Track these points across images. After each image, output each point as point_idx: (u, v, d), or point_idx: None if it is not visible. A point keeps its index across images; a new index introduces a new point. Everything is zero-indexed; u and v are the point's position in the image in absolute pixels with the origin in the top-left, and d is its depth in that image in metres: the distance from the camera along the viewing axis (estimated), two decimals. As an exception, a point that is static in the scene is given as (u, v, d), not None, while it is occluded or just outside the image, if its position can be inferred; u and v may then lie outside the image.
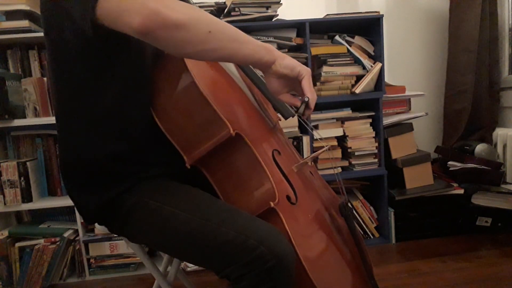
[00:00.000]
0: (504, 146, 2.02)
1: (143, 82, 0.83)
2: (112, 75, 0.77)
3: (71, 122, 0.81)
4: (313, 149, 1.85)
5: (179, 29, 0.63)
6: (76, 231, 1.80)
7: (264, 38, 1.78)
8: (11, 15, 1.63)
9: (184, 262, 1.65)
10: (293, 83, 0.78)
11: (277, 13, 1.82)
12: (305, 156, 1.83)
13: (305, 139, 1.84)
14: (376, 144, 1.88)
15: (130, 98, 0.80)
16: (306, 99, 0.76)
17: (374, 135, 1.89)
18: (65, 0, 0.70)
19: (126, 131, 0.81)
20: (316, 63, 1.88)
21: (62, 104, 0.81)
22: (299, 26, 1.84)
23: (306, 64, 1.79)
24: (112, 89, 0.78)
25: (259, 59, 0.73)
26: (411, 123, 1.95)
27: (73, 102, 0.79)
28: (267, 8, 1.79)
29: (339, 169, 1.92)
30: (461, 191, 1.89)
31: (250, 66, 0.95)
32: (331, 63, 1.81)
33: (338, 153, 1.91)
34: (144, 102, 0.83)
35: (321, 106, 1.86)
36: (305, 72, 0.76)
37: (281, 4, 1.80)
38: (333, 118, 1.87)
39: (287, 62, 0.75)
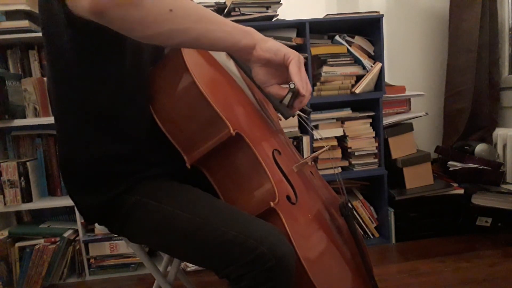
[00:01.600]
0: (504, 146, 2.02)
1: (141, 82, 0.83)
2: (108, 75, 0.77)
3: (69, 122, 0.80)
4: (313, 149, 1.85)
5: (134, 6, 0.57)
6: (76, 231, 1.80)
7: (264, 38, 1.78)
8: (11, 15, 1.63)
9: (184, 262, 1.65)
10: (282, 71, 0.70)
11: (277, 13, 1.82)
12: (305, 156, 1.83)
13: (305, 139, 1.84)
14: (376, 144, 1.89)
15: (128, 98, 0.80)
16: (292, 86, 0.66)
17: (374, 135, 1.89)
18: None
19: (126, 131, 0.81)
20: (316, 63, 1.88)
21: (60, 104, 0.81)
22: (299, 26, 1.84)
23: (306, 64, 1.79)
24: (109, 89, 0.78)
25: (234, 42, 0.65)
26: (411, 123, 1.95)
27: (71, 102, 0.79)
28: (267, 8, 1.79)
29: (339, 169, 1.92)
30: (461, 191, 1.89)
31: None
32: (331, 63, 1.81)
33: (338, 153, 1.91)
34: (142, 102, 0.83)
35: (321, 106, 1.86)
36: (292, 55, 0.68)
37: (281, 4, 1.80)
38: (333, 118, 1.87)
39: (270, 45, 0.67)
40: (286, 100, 0.66)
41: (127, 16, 0.57)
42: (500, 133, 2.06)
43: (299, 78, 0.67)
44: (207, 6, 1.76)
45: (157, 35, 0.60)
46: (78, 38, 0.70)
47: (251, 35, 0.66)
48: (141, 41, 0.64)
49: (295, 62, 0.67)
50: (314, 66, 1.88)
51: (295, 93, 0.66)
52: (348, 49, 1.84)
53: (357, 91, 1.81)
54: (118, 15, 0.57)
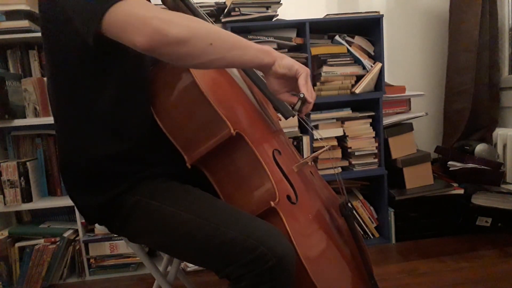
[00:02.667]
0: (504, 146, 2.02)
1: (142, 82, 0.83)
2: (110, 76, 0.77)
3: (70, 122, 0.81)
4: (313, 149, 1.85)
5: (182, 44, 0.65)
6: (76, 231, 1.80)
7: (264, 38, 1.78)
8: (11, 15, 1.63)
9: (184, 262, 1.65)
10: (291, 82, 0.80)
11: (277, 13, 1.82)
12: (305, 156, 1.83)
13: (305, 139, 1.84)
14: (376, 144, 1.88)
15: (129, 98, 0.81)
16: (301, 95, 0.78)
17: (374, 135, 1.89)
18: (69, 6, 0.69)
19: (126, 131, 0.81)
20: (316, 63, 1.88)
21: (60, 105, 0.81)
22: (299, 26, 1.84)
23: (306, 64, 1.79)
24: (110, 90, 0.78)
25: (259, 62, 0.75)
26: (411, 123, 1.95)
27: (71, 102, 0.79)
28: (267, 8, 1.78)
29: (339, 169, 1.92)
30: (461, 191, 1.89)
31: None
32: (331, 63, 1.81)
33: (338, 153, 1.91)
34: (143, 102, 0.83)
35: (321, 106, 1.86)
36: (302, 70, 0.78)
37: (281, 4, 1.80)
38: (333, 118, 1.87)
39: (286, 62, 0.77)
40: (297, 107, 0.79)
41: (175, 52, 0.66)
42: (500, 133, 2.06)
43: (306, 89, 0.78)
44: (207, 6, 1.76)
45: (199, 64, 0.69)
46: (89, 47, 0.70)
47: (271, 54, 0.76)
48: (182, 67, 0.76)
49: (304, 76, 0.78)
50: (314, 66, 1.88)
51: (304, 101, 0.79)
52: (348, 49, 1.84)
53: (357, 91, 1.81)
54: (167, 52, 0.65)
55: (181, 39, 0.64)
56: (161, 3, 0.96)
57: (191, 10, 0.95)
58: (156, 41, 0.63)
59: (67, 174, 0.84)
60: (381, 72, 1.83)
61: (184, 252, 0.80)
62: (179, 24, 0.64)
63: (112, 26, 0.65)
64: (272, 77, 0.78)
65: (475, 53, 2.04)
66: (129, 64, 0.79)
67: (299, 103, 0.79)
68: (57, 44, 0.75)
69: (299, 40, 1.84)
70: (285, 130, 1.78)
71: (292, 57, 0.78)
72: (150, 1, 0.72)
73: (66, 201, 1.70)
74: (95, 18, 0.65)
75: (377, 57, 1.88)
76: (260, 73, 0.87)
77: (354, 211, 1.96)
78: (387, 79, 2.15)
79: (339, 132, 1.88)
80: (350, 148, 1.88)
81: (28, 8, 1.63)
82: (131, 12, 0.64)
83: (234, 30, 1.63)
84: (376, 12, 1.87)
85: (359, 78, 1.85)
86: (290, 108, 0.84)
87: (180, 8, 0.96)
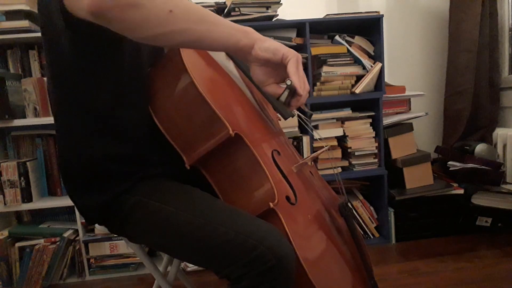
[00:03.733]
0: (504, 146, 2.02)
1: (140, 82, 0.83)
2: (107, 76, 0.77)
3: (69, 122, 0.81)
4: (313, 149, 1.85)
5: (134, 8, 0.56)
6: (76, 231, 1.80)
7: (264, 38, 1.78)
8: (11, 15, 1.63)
9: (184, 262, 1.65)
10: (280, 71, 0.70)
11: (277, 13, 1.82)
12: (305, 156, 1.83)
13: (305, 139, 1.84)
14: (376, 144, 1.88)
15: (127, 98, 0.80)
16: (288, 82, 0.66)
17: (374, 135, 1.89)
18: None
19: (125, 131, 0.81)
20: (316, 63, 1.88)
21: (60, 105, 0.81)
22: (299, 26, 1.84)
23: (306, 64, 1.79)
24: (108, 90, 0.78)
25: (234, 43, 0.65)
26: (411, 123, 1.95)
27: (70, 102, 0.79)
28: (267, 8, 1.78)
29: (339, 169, 1.92)
30: (461, 191, 1.89)
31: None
32: (331, 63, 1.81)
33: (338, 153, 1.91)
34: (142, 103, 0.83)
35: (321, 106, 1.86)
36: (291, 55, 0.68)
37: (281, 4, 1.80)
38: (333, 118, 1.87)
39: (269, 45, 0.67)
40: (283, 97, 0.66)
41: (126, 17, 0.57)
42: (500, 133, 2.06)
43: (297, 77, 0.67)
44: (207, 6, 1.76)
45: (157, 36, 0.60)
46: (76, 39, 0.70)
47: (250, 35, 0.66)
48: (141, 42, 0.63)
49: (293, 61, 0.67)
50: (314, 66, 1.88)
51: (292, 91, 0.66)
52: (348, 49, 1.84)
53: (357, 91, 1.81)
54: (117, 16, 0.57)
55: (133, 1, 0.56)
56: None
57: None
58: (103, 2, 0.55)
59: (67, 174, 0.84)
60: (381, 72, 1.83)
61: (184, 252, 0.80)
62: None
63: None
64: (255, 65, 0.69)
65: (475, 53, 2.04)
66: (127, 64, 0.79)
67: (285, 93, 0.66)
68: (56, 44, 0.75)
69: (299, 40, 1.83)
70: (285, 130, 1.78)
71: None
72: None
73: (66, 201, 1.70)
74: None
75: (377, 57, 1.88)
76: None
77: (354, 211, 1.96)
78: (387, 79, 2.15)
79: (339, 132, 1.88)
80: (350, 148, 1.88)
81: (28, 8, 1.64)
82: None
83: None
84: (376, 12, 1.87)
85: (359, 78, 1.85)
86: (276, 99, 0.70)
87: None
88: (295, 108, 0.72)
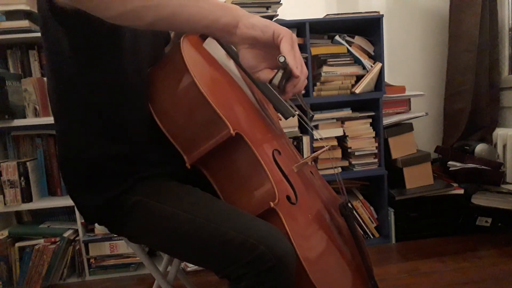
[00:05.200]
0: (504, 146, 2.02)
1: (140, 82, 0.82)
2: (107, 76, 0.77)
3: (69, 122, 0.81)
4: (313, 149, 1.85)
5: None
6: (76, 231, 1.80)
7: (264, 38, 1.78)
8: (11, 15, 1.63)
9: (184, 262, 1.65)
10: (271, 53, 0.61)
11: (277, 13, 1.82)
12: (305, 156, 1.83)
13: (305, 139, 1.84)
14: (376, 144, 1.88)
15: (127, 98, 0.80)
16: (282, 59, 0.56)
17: (374, 135, 1.89)
18: None
19: (126, 131, 0.81)
20: (316, 63, 1.88)
21: (60, 104, 0.81)
22: (299, 26, 1.84)
23: (306, 64, 1.79)
24: (108, 90, 0.78)
25: (213, 20, 0.58)
26: (411, 123, 1.95)
27: (71, 102, 0.79)
28: (267, 8, 1.78)
29: (339, 169, 1.92)
30: (461, 191, 1.89)
31: None
32: (331, 63, 1.81)
33: (338, 153, 1.91)
34: (142, 102, 0.83)
35: (321, 106, 1.86)
36: (284, 32, 0.59)
37: (281, 4, 1.80)
38: (333, 118, 1.87)
39: (254, 21, 0.58)
40: (277, 80, 0.56)
41: None
42: (500, 133, 2.06)
43: (292, 57, 0.59)
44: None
45: (126, 13, 0.55)
46: (74, 38, 0.70)
47: (233, 11, 0.58)
48: (113, 22, 0.59)
49: (287, 39, 0.58)
50: (314, 66, 1.88)
51: (287, 72, 0.57)
52: (348, 49, 1.84)
53: (357, 91, 1.81)
54: None
55: None
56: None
57: None
58: None
59: (67, 173, 0.84)
60: (381, 72, 1.83)
61: (184, 252, 0.80)
62: None
63: None
64: (243, 47, 0.61)
65: (475, 53, 2.04)
66: (125, 64, 0.79)
67: (279, 74, 0.56)
68: (56, 44, 0.75)
69: (299, 40, 1.83)
70: (285, 130, 1.78)
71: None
72: None
73: (66, 201, 1.70)
74: None
75: (377, 57, 1.88)
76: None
77: (354, 211, 1.96)
78: (387, 79, 2.15)
79: (339, 132, 1.88)
80: (350, 148, 1.88)
81: (28, 8, 1.63)
82: None
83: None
84: (376, 12, 1.87)
85: (359, 78, 1.85)
86: (268, 84, 0.61)
87: None
88: (292, 95, 0.62)
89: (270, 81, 0.58)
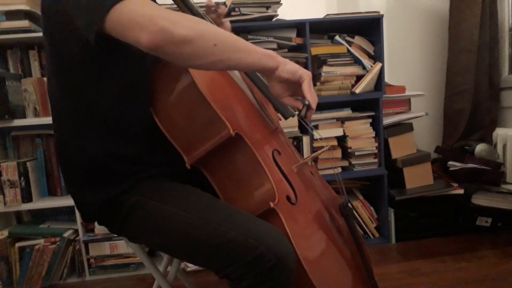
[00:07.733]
0: (504, 146, 2.02)
1: (142, 83, 0.83)
2: (111, 76, 0.78)
3: (71, 121, 0.81)
4: (313, 149, 1.85)
5: (186, 44, 0.65)
6: (76, 231, 1.80)
7: (264, 38, 1.78)
8: (11, 15, 1.63)
9: (184, 262, 1.65)
10: (294, 86, 0.80)
11: (277, 13, 1.82)
12: (305, 156, 1.83)
13: (305, 139, 1.84)
14: (376, 144, 1.88)
15: (129, 98, 0.81)
16: (307, 102, 0.79)
17: (374, 135, 1.89)
18: (71, 6, 0.69)
19: (126, 131, 0.82)
20: (316, 63, 1.88)
21: (62, 104, 0.81)
22: (299, 26, 1.84)
23: (306, 64, 1.79)
24: (111, 90, 0.78)
25: (263, 66, 0.75)
26: (411, 123, 1.95)
27: (73, 101, 0.79)
28: (267, 8, 1.78)
29: (339, 169, 1.92)
30: (461, 191, 1.89)
31: None
32: (331, 63, 1.81)
33: (338, 153, 1.91)
34: (143, 103, 0.83)
35: (321, 106, 1.85)
36: (306, 75, 0.79)
37: (281, 4, 1.80)
38: (333, 118, 1.87)
39: (289, 67, 0.77)
40: (303, 113, 0.81)
41: (179, 52, 0.66)
42: (500, 133, 2.06)
43: (311, 95, 0.79)
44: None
45: (202, 65, 0.69)
46: (91, 47, 0.70)
47: (275, 58, 0.77)
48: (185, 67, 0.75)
49: (307, 81, 0.79)
50: (314, 66, 1.88)
51: (309, 107, 0.81)
52: (348, 49, 1.84)
53: (357, 91, 1.81)
54: (171, 51, 0.65)
55: (185, 39, 0.64)
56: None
57: (191, 10, 0.95)
58: (161, 40, 0.63)
59: (67, 172, 0.85)
60: (381, 72, 1.83)
61: (184, 252, 0.80)
62: (185, 24, 0.65)
63: (116, 24, 0.65)
64: (275, 81, 0.79)
65: (475, 53, 2.04)
66: (130, 64, 0.80)
67: (304, 109, 0.81)
68: (59, 44, 0.75)
69: (299, 40, 1.83)
70: (285, 130, 1.78)
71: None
72: (155, 2, 0.72)
73: (66, 201, 1.70)
74: (98, 16, 0.65)
75: (377, 57, 1.88)
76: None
77: (354, 211, 1.96)
78: (387, 79, 2.15)
79: (339, 132, 1.88)
80: (350, 148, 1.88)
81: (28, 8, 1.63)
82: (137, 10, 0.64)
83: (234, 30, 1.62)
84: (376, 12, 1.87)
85: (359, 78, 1.85)
86: (295, 112, 0.87)
87: (181, 8, 0.96)
88: (310, 118, 0.84)
89: (299, 114, 0.83)
